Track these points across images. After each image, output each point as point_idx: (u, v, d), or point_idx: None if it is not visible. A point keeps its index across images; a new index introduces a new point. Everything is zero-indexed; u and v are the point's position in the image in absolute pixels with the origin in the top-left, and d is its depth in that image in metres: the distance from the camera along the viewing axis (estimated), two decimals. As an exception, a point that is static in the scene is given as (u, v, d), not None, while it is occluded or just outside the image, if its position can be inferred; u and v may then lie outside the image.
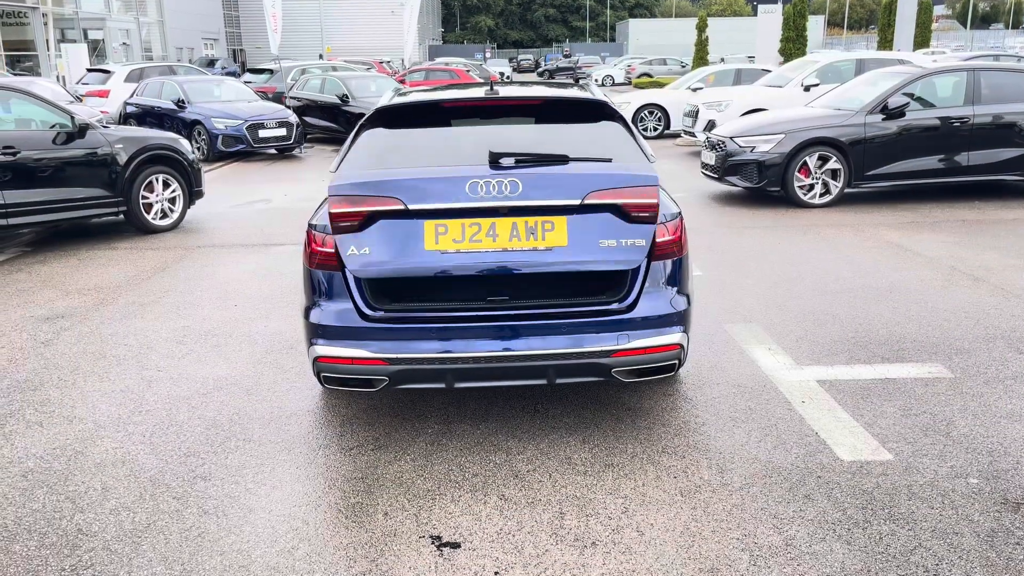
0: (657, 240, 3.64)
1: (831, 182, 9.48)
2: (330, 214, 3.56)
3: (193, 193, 9.36)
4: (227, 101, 16.40)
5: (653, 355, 3.61)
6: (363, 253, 3.54)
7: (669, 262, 3.68)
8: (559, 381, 3.60)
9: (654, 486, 3.40)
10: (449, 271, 3.51)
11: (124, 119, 17.31)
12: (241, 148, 15.37)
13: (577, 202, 3.51)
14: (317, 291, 3.70)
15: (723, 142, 9.94)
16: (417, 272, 3.53)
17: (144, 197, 8.83)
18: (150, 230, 8.93)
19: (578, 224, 3.53)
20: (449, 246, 3.49)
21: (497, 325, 3.54)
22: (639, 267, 3.61)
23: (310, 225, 3.71)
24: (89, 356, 5.10)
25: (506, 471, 3.55)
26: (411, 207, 3.48)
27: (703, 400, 4.22)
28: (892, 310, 5.64)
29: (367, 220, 3.55)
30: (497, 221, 3.49)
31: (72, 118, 8.24)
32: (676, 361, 3.67)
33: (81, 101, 18.26)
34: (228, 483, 3.50)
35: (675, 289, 3.70)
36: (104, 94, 19.89)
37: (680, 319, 3.66)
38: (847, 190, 9.52)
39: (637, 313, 3.60)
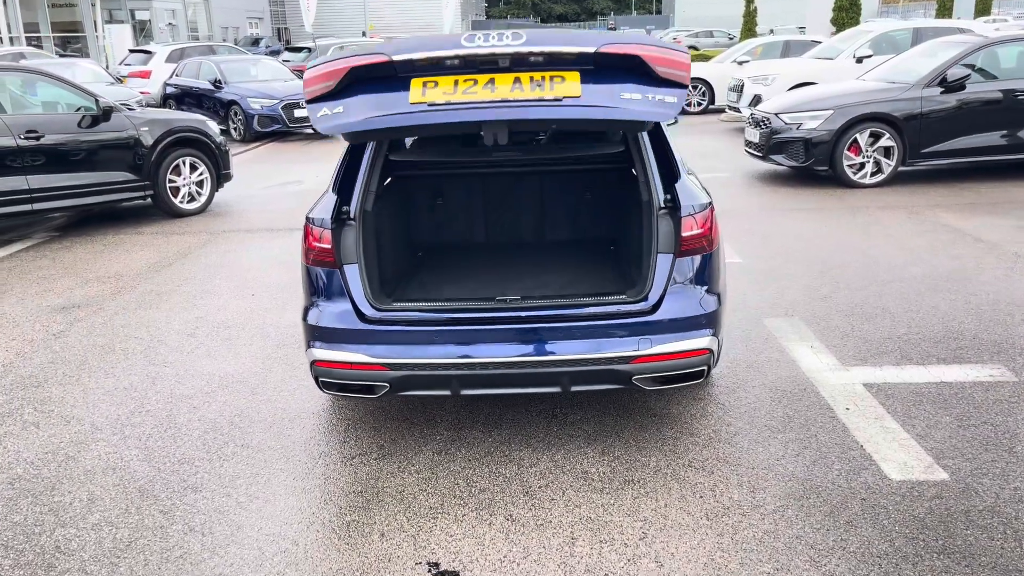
0: (684, 234, 3.30)
1: (883, 160, 8.94)
2: (304, 82, 3.05)
3: (221, 176, 9.20)
4: (263, 81, 16.27)
5: (678, 361, 3.28)
6: (336, 112, 2.98)
7: (698, 258, 3.34)
8: (574, 389, 3.29)
9: (677, 507, 3.08)
10: (437, 124, 2.95)
11: (164, 100, 17.31)
12: (277, 128, 15.23)
13: (591, 50, 2.92)
14: (314, 290, 3.44)
15: (768, 119, 9.44)
16: (399, 125, 2.95)
17: (171, 181, 8.68)
18: (178, 214, 8.79)
19: (593, 77, 2.97)
20: (438, 97, 2.94)
21: (506, 328, 3.25)
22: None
23: (307, 219, 3.45)
24: (97, 350, 4.94)
25: (516, 486, 3.26)
26: (395, 58, 2.95)
27: (736, 405, 3.87)
28: (949, 303, 5.19)
29: (346, 81, 2.98)
30: (497, 76, 2.94)
31: (97, 101, 8.10)
32: (704, 368, 3.34)
33: (123, 82, 18.34)
34: (219, 495, 3.28)
35: (704, 288, 3.36)
36: (146, 75, 19.91)
37: (709, 321, 3.32)
38: (901, 169, 8.96)
39: (661, 315, 3.27)
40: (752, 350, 4.53)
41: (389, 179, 4.28)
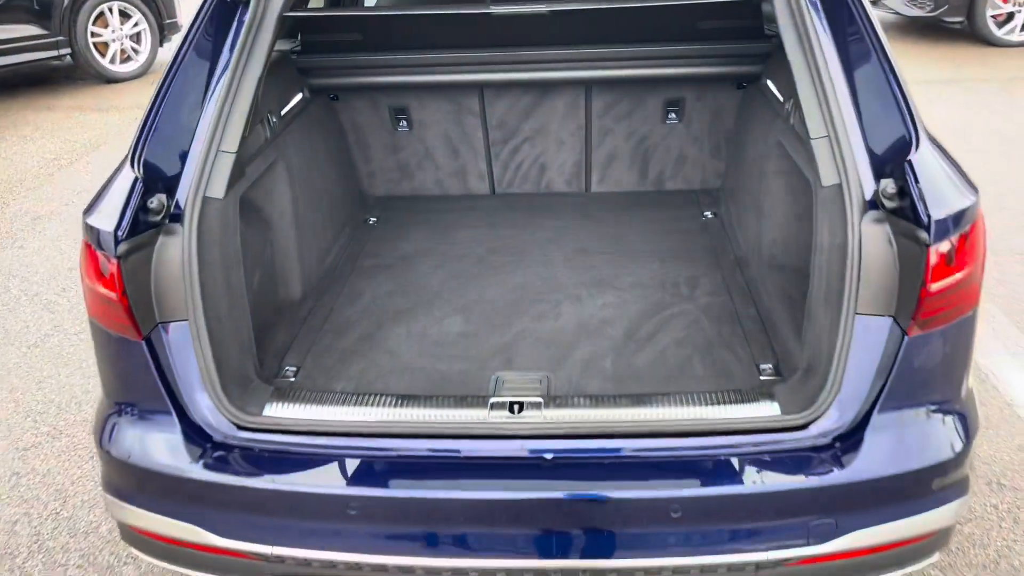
0: (931, 285, 1.43)
1: (1043, 10, 6.66)
2: None
3: (165, 27, 7.15)
4: None
5: (884, 555, 1.51)
6: None
7: (949, 330, 1.49)
8: None
9: None
10: None
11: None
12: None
13: None
14: (112, 378, 1.66)
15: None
16: None
17: (95, 35, 6.67)
18: (109, 78, 6.87)
19: None
20: None
21: (523, 482, 1.49)
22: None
23: (86, 227, 1.58)
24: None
25: None
26: None
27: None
28: None
29: None
30: None
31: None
32: (932, 554, 1.56)
33: None
34: None
35: (950, 394, 1.53)
36: None
37: (957, 470, 1.51)
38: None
39: (860, 464, 1.46)
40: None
41: (299, 97, 2.35)
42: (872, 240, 1.47)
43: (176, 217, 1.59)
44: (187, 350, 1.56)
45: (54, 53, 6.52)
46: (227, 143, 1.66)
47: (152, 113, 1.64)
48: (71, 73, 7.16)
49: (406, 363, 1.88)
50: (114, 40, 6.84)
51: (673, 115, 2.71)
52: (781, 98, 2.06)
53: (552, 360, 1.86)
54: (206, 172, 1.61)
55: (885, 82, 1.59)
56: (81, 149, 5.30)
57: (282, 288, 2.12)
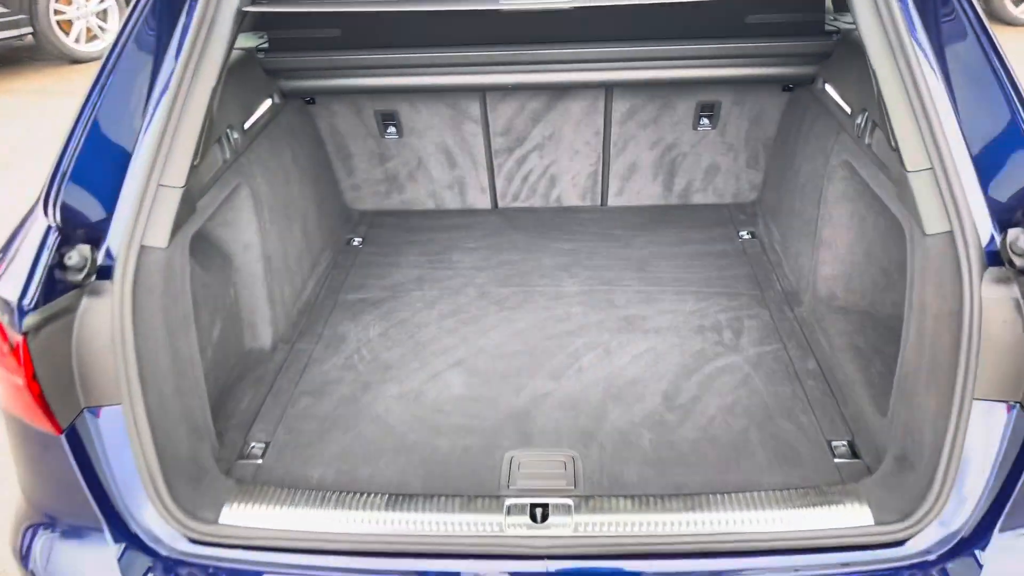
0: None
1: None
2: None
3: (133, 3, 6.69)
4: None
5: None
6: None
7: None
8: None
9: None
10: None
11: None
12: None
13: None
14: (30, 480, 1.33)
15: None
16: None
17: (59, 12, 6.24)
18: (75, 58, 6.46)
19: None
20: None
21: None
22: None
23: None
24: None
25: None
26: None
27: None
28: None
29: None
30: None
31: None
32: None
33: None
34: None
35: None
36: None
37: None
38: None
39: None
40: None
41: (267, 104, 1.99)
42: (996, 307, 1.15)
43: (105, 272, 1.25)
44: (122, 442, 1.23)
45: (15, 32, 6.09)
46: (171, 175, 1.31)
47: (72, 140, 1.29)
48: (34, 54, 6.73)
49: (398, 438, 1.54)
50: (79, 18, 6.41)
51: (706, 121, 2.36)
52: (848, 109, 1.72)
53: (577, 434, 1.53)
54: (143, 214, 1.27)
55: (1003, 97, 1.27)
56: (44, 136, 4.91)
57: (249, 337, 1.78)
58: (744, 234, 2.31)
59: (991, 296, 1.15)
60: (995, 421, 1.17)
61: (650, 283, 2.05)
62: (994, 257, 1.18)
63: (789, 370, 1.70)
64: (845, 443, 1.49)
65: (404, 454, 1.50)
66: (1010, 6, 6.43)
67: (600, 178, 2.46)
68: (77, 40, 6.42)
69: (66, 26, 6.35)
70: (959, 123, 1.26)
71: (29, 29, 6.14)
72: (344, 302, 2.03)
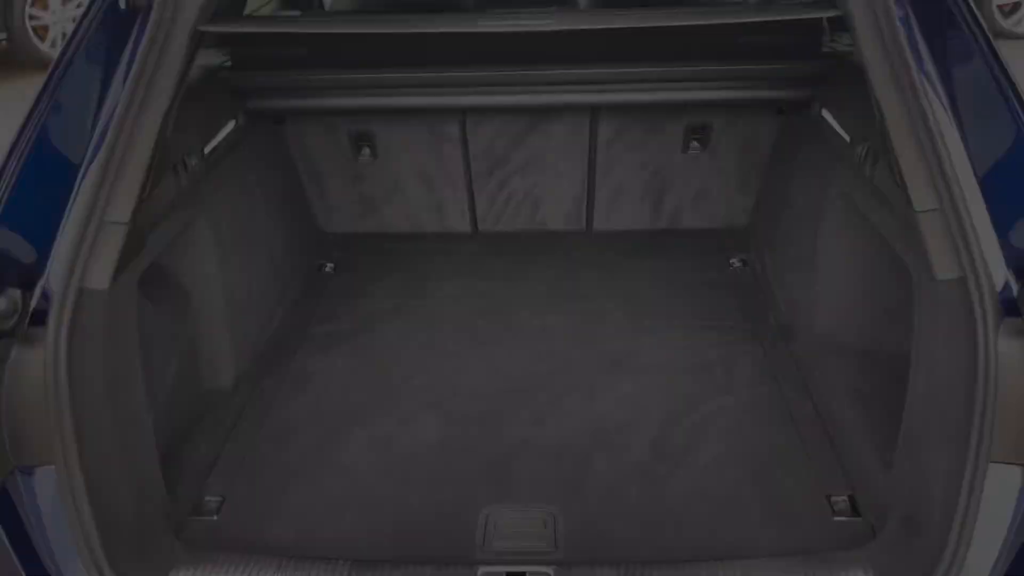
0: None
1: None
2: None
3: (112, 7, 6.57)
4: None
5: None
6: None
7: None
8: None
9: None
10: None
11: None
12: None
13: None
14: None
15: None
16: None
17: (34, 17, 6.10)
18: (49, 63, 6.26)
19: None
20: None
21: None
22: None
23: None
24: None
25: None
26: None
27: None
28: None
29: None
30: None
31: None
32: None
33: None
34: None
35: None
36: None
37: None
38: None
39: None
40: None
41: (231, 126, 1.88)
42: (1014, 362, 1.05)
43: (40, 318, 1.14)
44: (56, 506, 1.12)
45: (-12, 38, 5.97)
46: (117, 209, 1.20)
47: (5, 171, 1.18)
48: (7, 59, 6.58)
49: (365, 491, 1.44)
50: (55, 23, 6.29)
51: (696, 143, 2.26)
52: (847, 137, 1.63)
53: (560, 487, 1.43)
54: (83, 253, 1.16)
55: (1016, 130, 1.17)
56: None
57: (208, 376, 1.67)
58: (735, 262, 2.21)
59: (1008, 349, 1.05)
60: (1011, 486, 1.07)
61: (637, 316, 1.95)
62: (1010, 305, 1.09)
63: (785, 415, 1.60)
64: (845, 498, 1.39)
65: (371, 510, 1.39)
66: (1000, 18, 6.40)
67: (585, 202, 2.36)
68: (53, 46, 6.28)
69: (42, 32, 6.23)
70: (970, 158, 1.16)
71: (3, 35, 6.02)
72: (313, 336, 1.92)
